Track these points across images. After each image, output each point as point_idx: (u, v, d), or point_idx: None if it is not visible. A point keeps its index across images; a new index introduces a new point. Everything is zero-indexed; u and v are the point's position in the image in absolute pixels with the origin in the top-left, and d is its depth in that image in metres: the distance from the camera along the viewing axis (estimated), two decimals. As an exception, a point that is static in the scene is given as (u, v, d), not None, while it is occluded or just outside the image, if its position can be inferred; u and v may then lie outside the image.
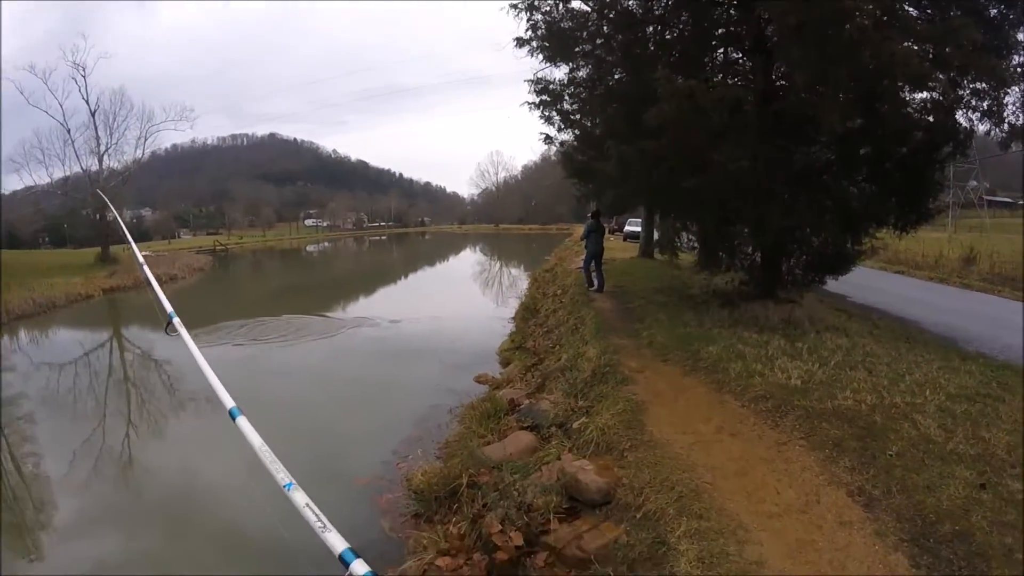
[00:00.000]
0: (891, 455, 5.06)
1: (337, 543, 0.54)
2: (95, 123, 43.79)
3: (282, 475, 0.66)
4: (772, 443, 5.68)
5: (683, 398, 7.21)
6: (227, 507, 7.39)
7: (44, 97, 45.42)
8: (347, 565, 0.54)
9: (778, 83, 11.01)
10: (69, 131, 43.41)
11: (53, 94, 44.27)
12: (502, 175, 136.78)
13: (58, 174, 46.05)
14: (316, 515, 0.58)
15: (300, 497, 0.58)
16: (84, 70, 42.22)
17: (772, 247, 11.41)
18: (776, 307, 10.93)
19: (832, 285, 12.48)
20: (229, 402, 0.82)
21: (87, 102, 43.29)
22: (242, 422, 0.76)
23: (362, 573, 0.52)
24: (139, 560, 6.46)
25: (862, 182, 11.15)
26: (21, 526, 7.43)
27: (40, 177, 44.88)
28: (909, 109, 10.07)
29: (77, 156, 44.31)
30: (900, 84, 9.40)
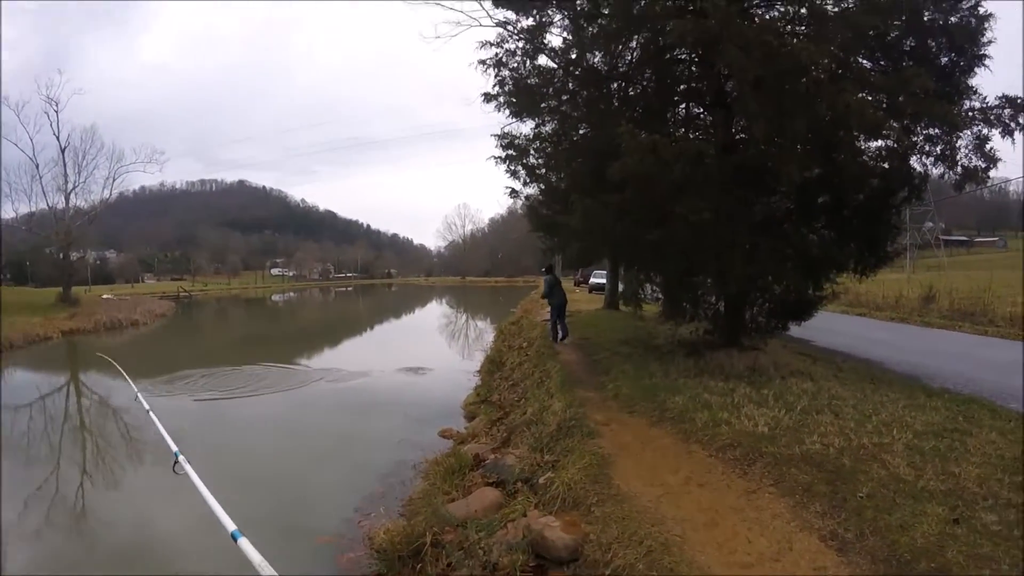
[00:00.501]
0: (862, 497, 5.00)
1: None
2: (64, 160, 43.83)
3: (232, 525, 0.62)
4: (741, 492, 5.58)
5: (650, 450, 7.10)
6: (184, 559, 7.12)
7: (15, 129, 45.42)
8: None
9: (738, 136, 11.23)
10: (38, 166, 43.56)
11: (24, 127, 44.59)
12: (469, 227, 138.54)
13: (23, 209, 46.33)
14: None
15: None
16: (57, 105, 42.29)
17: (735, 296, 11.49)
18: (741, 355, 10.96)
19: (795, 330, 12.55)
20: (231, 525, 0.76)
21: (58, 138, 43.42)
22: (244, 543, 0.69)
23: None
24: None
25: (822, 229, 11.31)
26: None
27: (5, 211, 44.36)
28: (865, 157, 10.39)
29: (44, 192, 44.12)
30: (856, 134, 9.69)
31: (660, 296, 14.56)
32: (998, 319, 19.54)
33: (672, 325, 13.40)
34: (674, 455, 6.83)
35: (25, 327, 30.21)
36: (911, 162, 10.40)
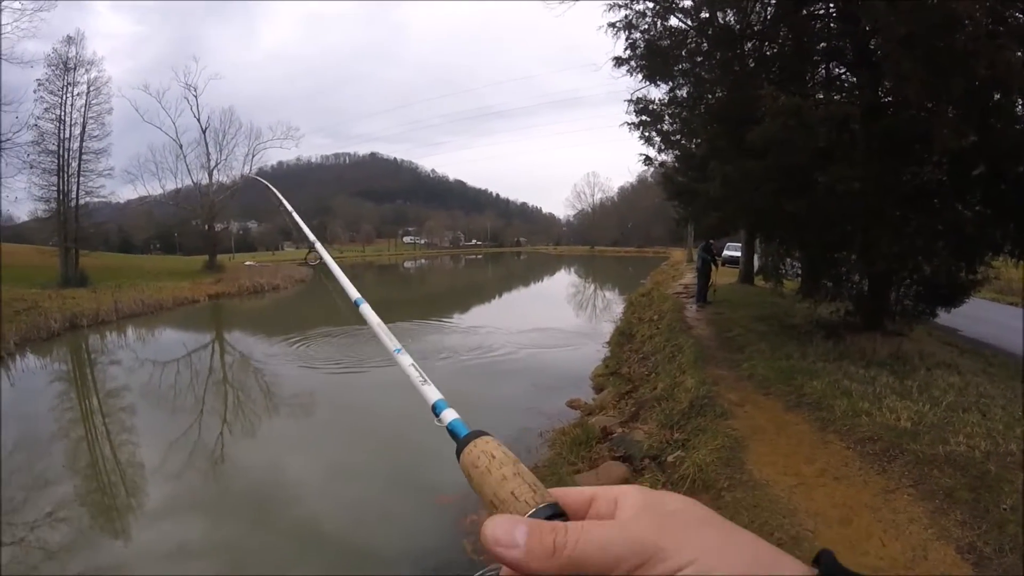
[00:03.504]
0: (1005, 509, 4.75)
1: (432, 394, 0.60)
2: (206, 140, 47.82)
3: (392, 343, 0.74)
4: (878, 490, 5.41)
5: (785, 436, 6.98)
6: (309, 506, 7.72)
7: (158, 115, 48.88)
8: (438, 414, 0.62)
9: (885, 99, 10.53)
10: (181, 146, 47.28)
11: (167, 112, 48.43)
12: (598, 196, 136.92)
13: (170, 186, 49.64)
14: (419, 372, 0.65)
15: (405, 359, 0.64)
16: (196, 90, 46.08)
17: (880, 275, 10.90)
18: (884, 340, 10.46)
19: (941, 316, 11.84)
20: (354, 293, 0.85)
21: (198, 120, 47.46)
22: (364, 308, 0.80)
23: (450, 419, 0.59)
24: (218, 547, 6.82)
25: (976, 205, 10.45)
26: (112, 509, 7.96)
27: (153, 188, 48.40)
28: (1025, 124, 9.50)
29: (188, 170, 47.96)
30: (1015, 97, 8.91)
31: (799, 272, 14.07)
32: None
33: (811, 303, 12.88)
34: (810, 444, 6.68)
35: (174, 291, 32.76)
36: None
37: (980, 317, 15.92)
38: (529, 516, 0.56)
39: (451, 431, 0.72)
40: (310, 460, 9.52)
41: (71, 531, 7.11)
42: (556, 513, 0.56)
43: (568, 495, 0.60)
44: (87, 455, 10.16)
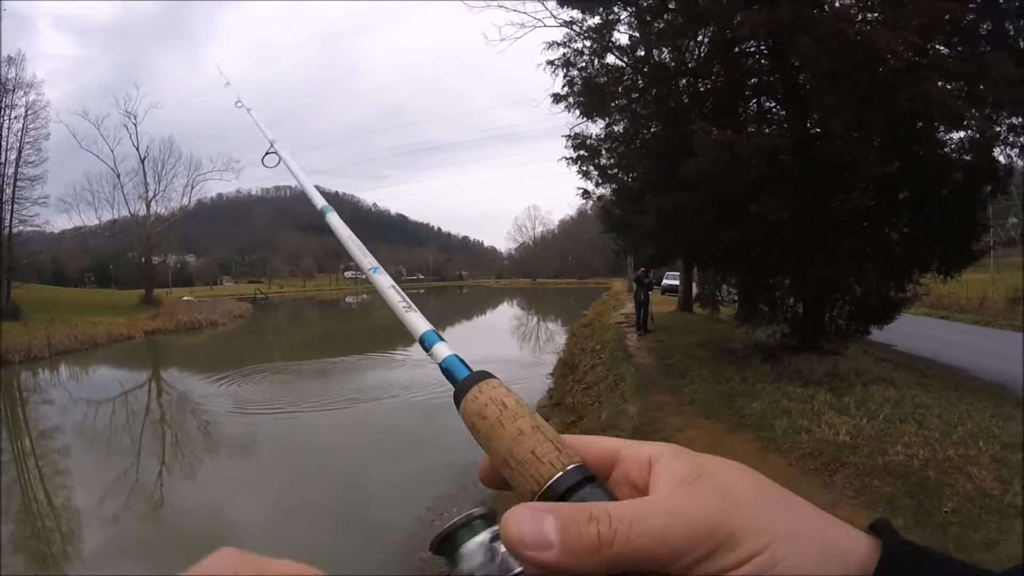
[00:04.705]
0: (947, 511, 4.87)
1: (418, 323, 0.50)
2: (144, 169, 46.87)
3: (368, 260, 0.64)
4: (822, 503, 5.41)
5: (727, 457, 6.98)
6: (254, 547, 7.29)
7: (96, 142, 47.59)
8: (428, 348, 0.49)
9: (813, 130, 10.95)
10: (119, 176, 46.52)
11: (105, 140, 46.90)
12: (539, 229, 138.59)
13: (107, 216, 48.56)
14: (401, 296, 0.55)
15: (384, 279, 0.56)
16: (135, 118, 45.55)
17: (814, 298, 11.23)
18: (820, 359, 10.68)
19: (876, 333, 12.15)
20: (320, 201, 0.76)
21: (137, 149, 46.69)
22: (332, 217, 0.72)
23: (445, 355, 0.47)
24: None
25: (903, 227, 10.97)
26: (47, 556, 7.67)
27: (89, 218, 47.25)
28: (947, 149, 10.04)
29: (126, 200, 47.08)
30: (936, 124, 9.38)
31: (736, 298, 14.33)
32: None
33: (749, 328, 13.08)
34: (752, 463, 6.46)
35: (109, 327, 31.98)
36: (995, 154, 10.02)
37: (912, 332, 16.42)
38: (555, 481, 0.45)
39: (446, 370, 0.59)
40: (252, 500, 9.24)
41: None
42: (587, 476, 0.46)
43: (589, 448, 0.50)
44: (20, 499, 9.79)
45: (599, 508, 0.41)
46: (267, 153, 1.20)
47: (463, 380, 0.55)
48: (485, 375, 0.55)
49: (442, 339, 0.62)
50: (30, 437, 14.00)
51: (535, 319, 47.80)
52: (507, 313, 57.71)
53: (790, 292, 11.78)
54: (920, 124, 9.26)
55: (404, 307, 0.70)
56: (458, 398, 0.54)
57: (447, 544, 0.49)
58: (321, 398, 16.04)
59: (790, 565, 0.39)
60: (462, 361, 0.58)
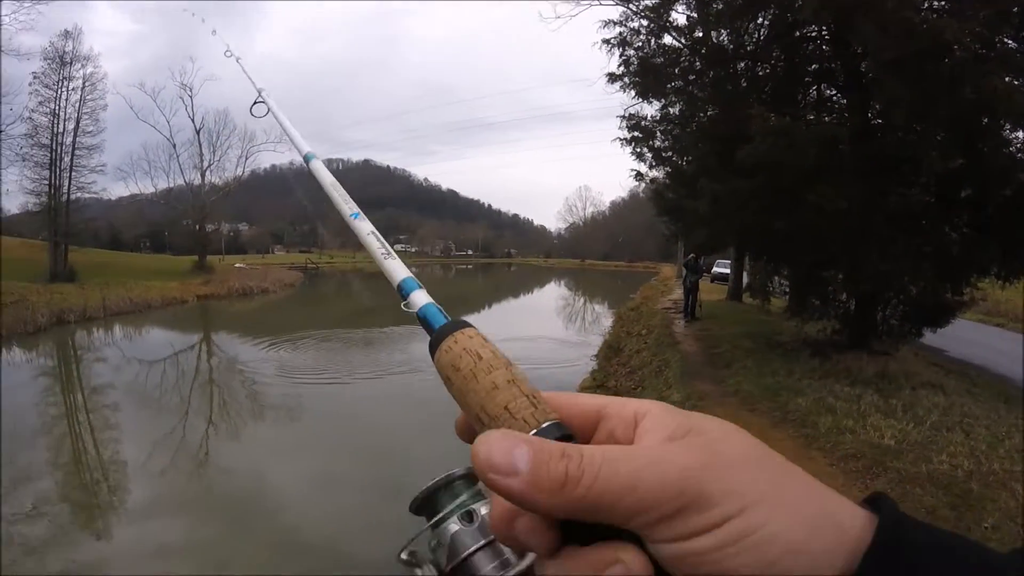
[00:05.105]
0: (987, 527, 4.80)
1: (397, 270, 0.52)
2: (199, 140, 47.64)
3: (349, 206, 0.67)
4: (861, 507, 5.40)
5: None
6: (294, 511, 7.66)
7: (152, 113, 49.37)
8: (406, 296, 0.50)
9: (874, 121, 10.71)
10: (175, 146, 47.53)
11: (161, 111, 47.95)
12: (590, 210, 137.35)
13: (162, 185, 50.20)
14: (380, 242, 0.58)
15: (365, 226, 0.59)
16: (191, 91, 46.39)
17: (867, 295, 11.04)
18: (870, 359, 10.53)
19: (928, 337, 11.93)
20: (305, 147, 0.79)
21: (192, 120, 47.57)
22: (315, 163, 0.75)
23: (422, 303, 0.48)
24: (199, 548, 6.74)
25: (963, 227, 10.62)
26: (93, 507, 7.88)
27: (145, 187, 48.67)
28: (1012, 148, 9.63)
29: (181, 170, 48.20)
30: (1002, 121, 9.06)
31: (787, 290, 14.15)
32: None
33: (799, 322, 12.95)
34: (794, 460, 6.53)
35: (163, 291, 32.75)
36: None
37: (966, 338, 15.99)
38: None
39: (423, 319, 0.58)
40: (295, 466, 9.42)
41: (52, 527, 7.02)
42: (563, 435, 0.44)
43: (571, 405, 0.48)
44: (70, 451, 10.10)
45: (573, 447, 0.40)
46: (255, 103, 1.24)
47: (438, 330, 0.54)
48: (462, 324, 0.54)
49: (420, 287, 0.61)
50: (82, 392, 14.40)
51: (582, 300, 47.51)
52: (554, 292, 57.38)
53: (843, 287, 11.58)
54: (985, 120, 8.96)
55: (383, 254, 0.73)
56: (433, 348, 0.53)
57: (427, 505, 0.53)
58: (366, 368, 16.29)
59: (771, 532, 0.37)
60: (440, 310, 0.58)
